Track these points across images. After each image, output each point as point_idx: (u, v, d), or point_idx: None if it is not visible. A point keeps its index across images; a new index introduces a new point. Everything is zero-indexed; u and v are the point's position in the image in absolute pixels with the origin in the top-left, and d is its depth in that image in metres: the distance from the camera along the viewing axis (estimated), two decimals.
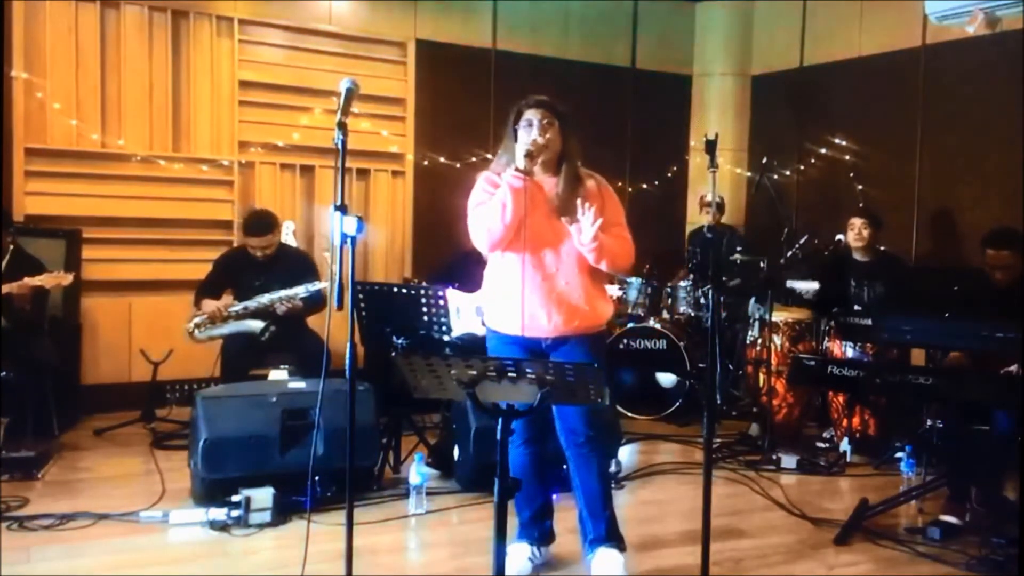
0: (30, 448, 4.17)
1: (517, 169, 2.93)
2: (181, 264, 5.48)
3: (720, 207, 6.15)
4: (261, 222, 4.84)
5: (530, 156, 2.92)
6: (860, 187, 6.12)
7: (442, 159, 6.28)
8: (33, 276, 4.26)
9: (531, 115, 3.03)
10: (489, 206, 2.99)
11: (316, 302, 4.75)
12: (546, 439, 3.20)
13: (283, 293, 4.69)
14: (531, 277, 3.01)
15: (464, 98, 6.37)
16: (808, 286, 5.07)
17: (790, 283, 5.17)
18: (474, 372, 2.18)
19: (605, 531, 3.15)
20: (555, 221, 3.02)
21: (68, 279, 4.36)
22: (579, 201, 2.93)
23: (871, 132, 6.14)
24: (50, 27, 5.17)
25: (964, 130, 5.55)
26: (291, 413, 3.82)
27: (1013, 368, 3.82)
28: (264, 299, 4.70)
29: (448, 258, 5.30)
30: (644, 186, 6.84)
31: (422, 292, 4.16)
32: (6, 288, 4.20)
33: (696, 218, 6.83)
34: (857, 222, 5.09)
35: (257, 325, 4.70)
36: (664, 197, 6.94)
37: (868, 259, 5.13)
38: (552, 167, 3.08)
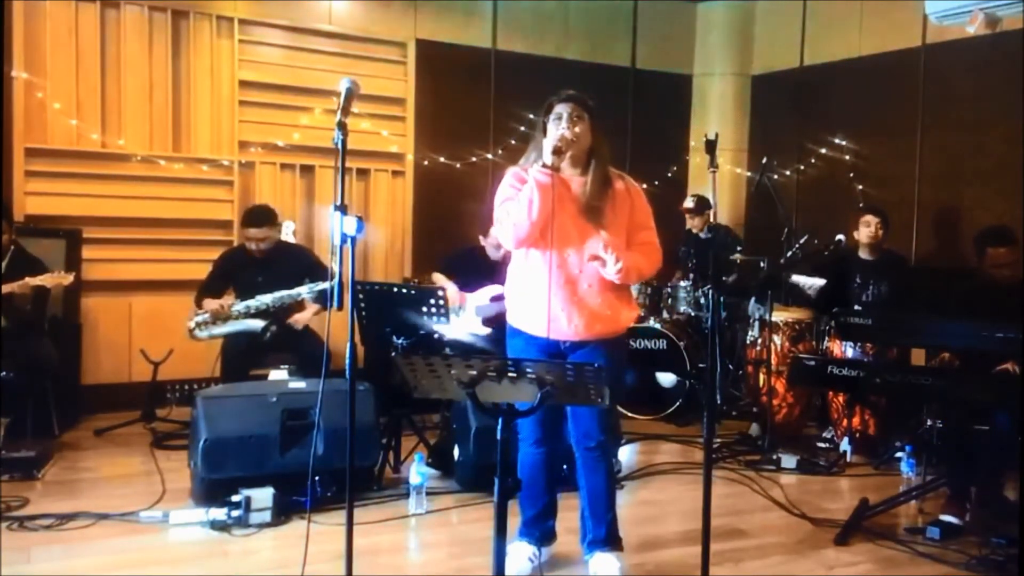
0: (30, 448, 4.17)
1: (544, 165, 2.91)
2: (181, 264, 5.48)
3: (707, 205, 6.10)
4: (258, 213, 4.87)
5: (558, 152, 2.89)
6: (860, 187, 6.12)
7: (442, 159, 6.28)
8: (34, 276, 4.26)
9: (561, 108, 3.01)
10: (516, 202, 2.96)
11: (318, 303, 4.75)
12: (558, 440, 3.20)
13: (285, 293, 4.69)
14: (555, 277, 2.99)
15: (464, 98, 6.36)
16: (812, 282, 5.04)
17: (794, 277, 5.12)
18: (474, 372, 2.18)
19: (605, 534, 3.15)
20: (581, 220, 3.00)
21: (69, 279, 4.37)
22: (601, 245, 2.91)
23: (871, 132, 6.14)
24: (50, 27, 5.17)
25: (964, 130, 5.54)
26: (291, 413, 3.82)
27: (1008, 366, 3.82)
28: (267, 299, 4.69)
29: (449, 257, 5.30)
30: (644, 186, 6.71)
31: (422, 292, 4.15)
32: (7, 288, 4.20)
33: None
34: (873, 220, 5.08)
35: (258, 324, 4.70)
36: (664, 197, 6.92)
37: (875, 257, 5.12)
38: (581, 163, 3.06)
